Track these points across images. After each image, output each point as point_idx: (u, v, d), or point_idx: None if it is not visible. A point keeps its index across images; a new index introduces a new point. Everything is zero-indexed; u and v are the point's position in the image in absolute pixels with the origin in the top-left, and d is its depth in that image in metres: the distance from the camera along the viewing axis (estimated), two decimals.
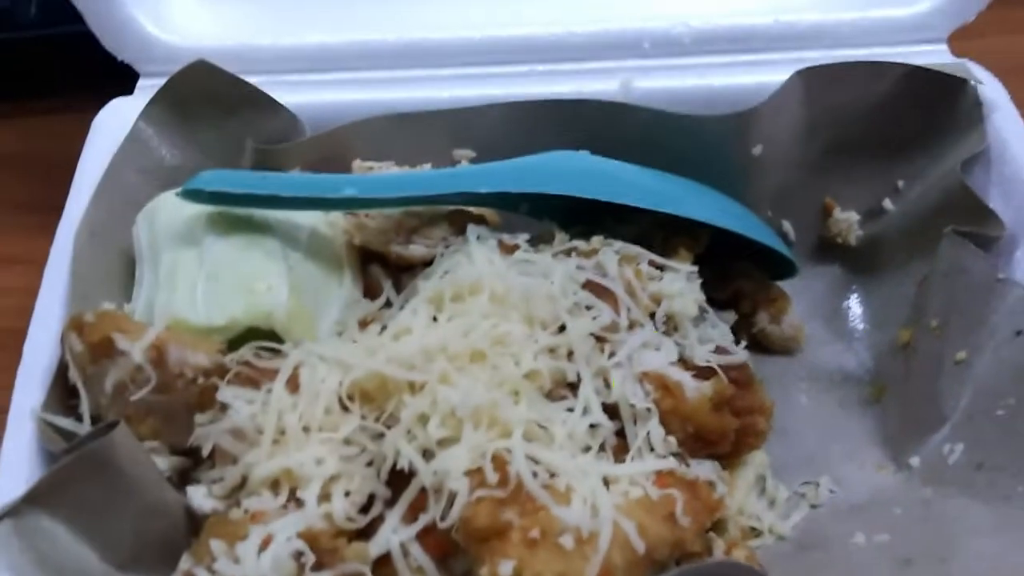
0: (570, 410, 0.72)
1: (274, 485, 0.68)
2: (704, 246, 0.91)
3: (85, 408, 0.72)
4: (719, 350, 0.79)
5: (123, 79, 0.99)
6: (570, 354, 0.74)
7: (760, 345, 0.96)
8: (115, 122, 0.93)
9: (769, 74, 0.97)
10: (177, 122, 0.91)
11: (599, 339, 0.75)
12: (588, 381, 0.73)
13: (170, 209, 0.82)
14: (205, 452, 0.70)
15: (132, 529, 0.68)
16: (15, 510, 0.64)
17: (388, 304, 0.86)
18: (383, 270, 0.88)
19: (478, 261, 0.80)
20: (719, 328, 0.84)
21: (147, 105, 0.89)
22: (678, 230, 0.89)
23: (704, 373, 0.77)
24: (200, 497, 0.70)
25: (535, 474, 0.66)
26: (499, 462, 0.66)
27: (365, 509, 0.69)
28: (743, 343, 0.82)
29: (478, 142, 0.96)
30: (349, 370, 0.71)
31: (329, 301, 0.82)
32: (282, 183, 0.80)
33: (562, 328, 0.75)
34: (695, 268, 0.85)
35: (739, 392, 0.78)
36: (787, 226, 1.02)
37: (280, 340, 0.75)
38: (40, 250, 0.82)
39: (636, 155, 0.92)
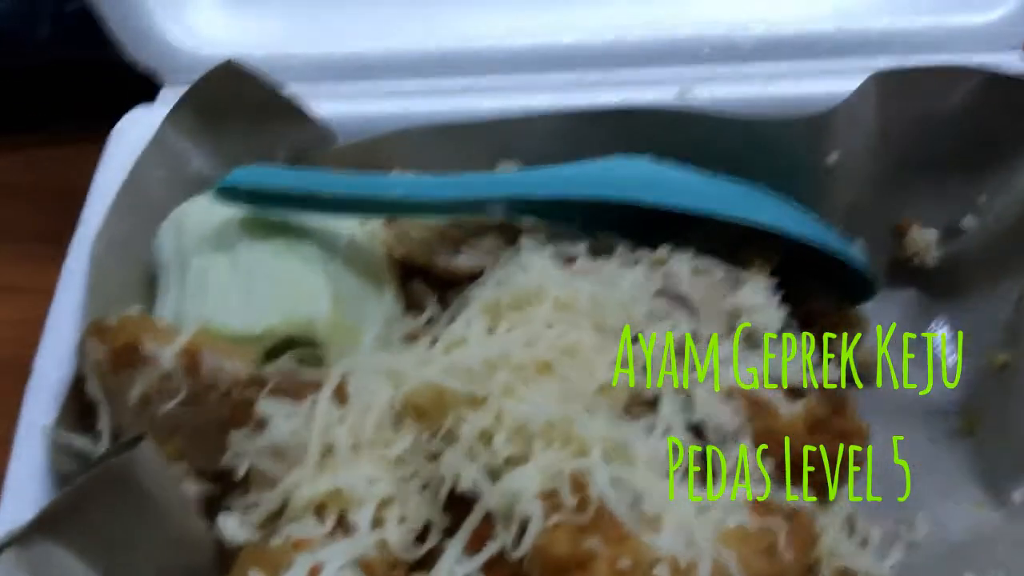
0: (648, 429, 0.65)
1: (320, 509, 0.62)
2: (777, 260, 0.85)
3: (105, 424, 0.65)
4: (807, 368, 0.73)
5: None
6: (644, 368, 0.67)
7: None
8: (136, 132, 0.88)
9: (837, 82, 0.91)
10: (205, 128, 0.86)
11: (678, 352, 0.69)
12: (669, 397, 0.66)
13: (200, 214, 0.76)
14: (240, 474, 0.63)
15: (154, 563, 0.62)
16: (22, 538, 0.57)
17: (431, 321, 0.79)
18: (426, 285, 0.82)
19: (535, 269, 0.73)
20: (802, 346, 0.78)
21: (174, 108, 0.84)
22: (748, 242, 0.83)
23: (794, 392, 0.70)
24: (233, 526, 0.64)
25: (618, 498, 0.59)
26: (577, 483, 0.60)
27: (421, 538, 0.63)
28: (835, 362, 0.75)
29: (524, 155, 0.91)
30: (402, 382, 0.64)
31: (370, 315, 0.76)
32: (325, 181, 0.75)
33: (635, 340, 0.68)
34: (773, 281, 0.79)
35: (832, 415, 0.71)
36: (858, 246, 0.95)
37: (320, 353, 0.69)
38: (48, 280, 0.78)
39: (700, 164, 0.86)
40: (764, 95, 0.94)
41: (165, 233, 0.78)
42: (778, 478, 0.68)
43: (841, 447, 0.71)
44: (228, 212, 0.76)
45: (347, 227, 0.80)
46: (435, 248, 0.80)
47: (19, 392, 0.70)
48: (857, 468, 0.73)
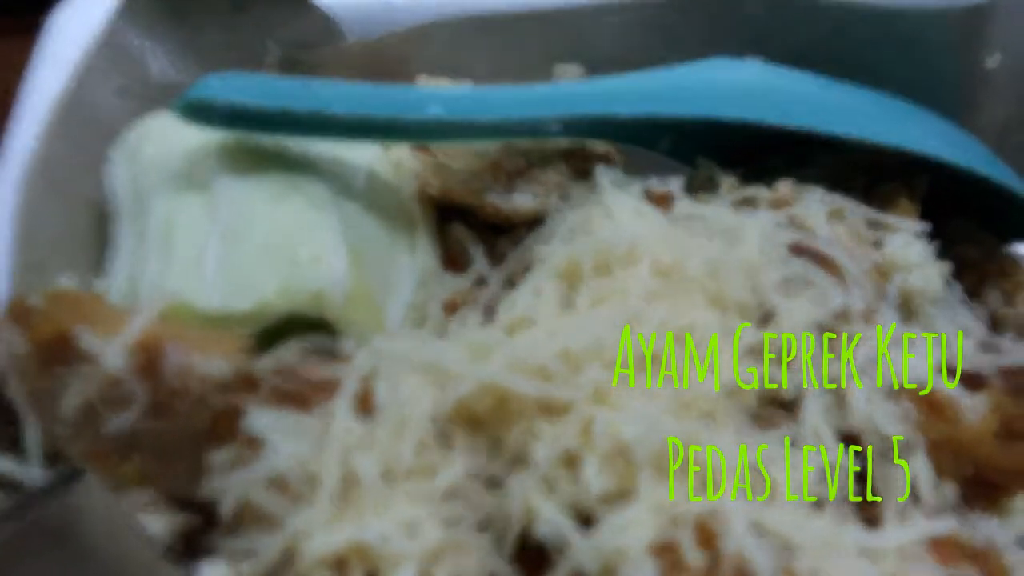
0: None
1: (339, 567, 0.47)
2: (923, 195, 0.70)
3: (33, 440, 0.49)
4: (986, 346, 0.57)
5: None
6: (782, 357, 0.52)
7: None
8: (77, 27, 0.72)
9: None
10: (169, 19, 0.71)
11: (826, 333, 0.53)
12: (816, 398, 0.50)
13: (162, 138, 0.60)
14: (227, 511, 0.47)
15: None
16: None
17: (480, 281, 0.64)
18: (470, 231, 0.66)
19: (622, 216, 0.58)
20: (966, 313, 0.62)
21: None
22: (886, 172, 0.68)
23: (972, 382, 0.55)
24: None
25: (762, 551, 0.45)
26: (706, 533, 0.45)
27: None
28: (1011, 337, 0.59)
29: (589, 55, 0.76)
30: (449, 383, 0.48)
31: (398, 275, 0.61)
32: (335, 95, 0.59)
33: (766, 317, 0.53)
34: (927, 226, 0.64)
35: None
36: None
37: (335, 334, 0.53)
38: None
39: (825, 68, 0.72)
40: None
41: (117, 162, 0.62)
42: (960, 503, 0.53)
43: None
44: (202, 135, 0.59)
45: (367, 156, 0.64)
46: (483, 183, 0.65)
47: None
48: None
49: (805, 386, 0.52)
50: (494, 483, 0.50)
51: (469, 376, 0.49)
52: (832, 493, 0.51)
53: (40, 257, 0.60)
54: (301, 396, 0.50)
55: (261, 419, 0.49)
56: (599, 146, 0.69)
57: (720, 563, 0.45)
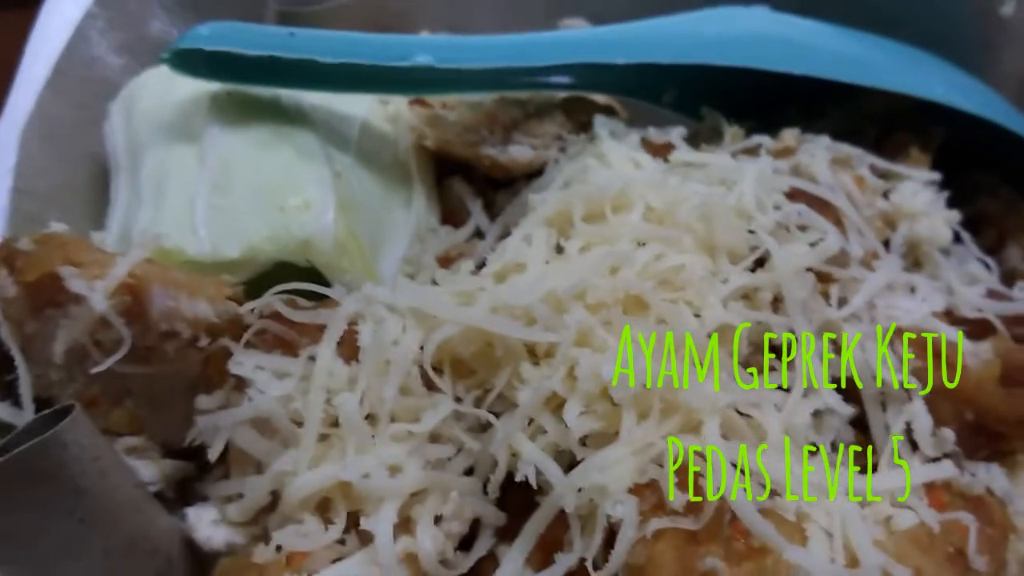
0: (781, 388, 0.51)
1: (323, 507, 0.49)
2: (937, 146, 0.69)
3: (25, 386, 0.51)
4: (993, 294, 0.57)
5: None
6: (776, 301, 0.52)
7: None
8: None
9: None
10: None
11: (821, 278, 0.53)
12: (809, 343, 0.51)
13: (156, 92, 0.62)
14: (214, 454, 0.49)
15: (99, 573, 0.48)
16: None
17: (478, 235, 0.65)
18: (468, 186, 0.67)
19: (618, 164, 0.58)
20: (975, 263, 0.62)
21: None
22: (900, 122, 0.68)
23: (977, 329, 0.56)
24: (207, 524, 0.51)
25: (744, 491, 0.45)
26: (686, 472, 0.45)
27: (467, 543, 0.50)
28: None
29: (596, 7, 0.77)
30: (435, 326, 0.49)
31: (392, 228, 0.62)
32: (321, 44, 0.60)
33: (760, 262, 0.53)
34: (937, 175, 0.64)
35: None
36: None
37: (324, 282, 0.54)
38: None
39: (835, 15, 0.71)
40: None
41: (115, 116, 0.64)
42: (960, 452, 0.53)
43: None
44: (196, 87, 0.61)
45: (361, 108, 0.65)
46: (480, 135, 0.65)
47: None
48: None
49: (798, 331, 0.53)
50: (481, 426, 0.51)
51: (453, 320, 0.50)
52: (825, 438, 0.52)
53: (37, 208, 0.62)
54: (288, 340, 0.52)
55: (248, 362, 0.50)
56: (600, 98, 0.69)
57: (702, 501, 0.46)
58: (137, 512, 0.50)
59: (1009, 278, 0.75)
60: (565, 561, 0.46)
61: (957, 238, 0.75)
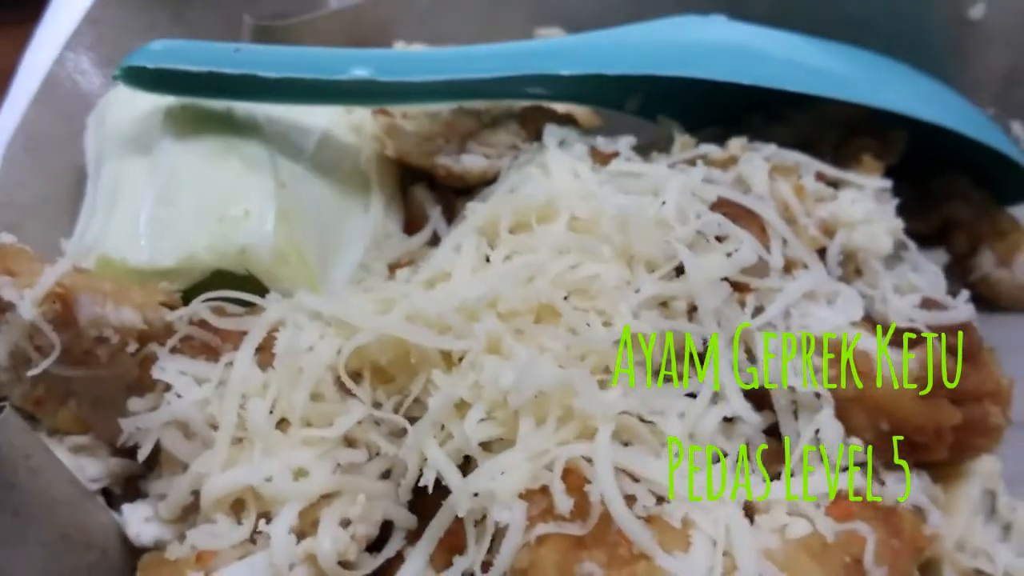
0: (693, 396, 0.51)
1: (237, 508, 0.50)
2: (899, 154, 0.69)
3: None
4: (928, 303, 0.57)
5: None
6: (692, 310, 0.52)
7: (982, 298, 0.74)
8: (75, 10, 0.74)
9: None
10: None
11: (738, 287, 0.53)
12: (722, 351, 0.51)
13: (123, 104, 0.64)
14: (142, 455, 0.52)
15: (38, 568, 0.50)
16: None
17: (437, 240, 0.66)
18: (431, 192, 0.68)
19: (557, 173, 0.59)
20: (926, 272, 0.61)
21: None
22: (860, 130, 0.68)
23: (911, 338, 0.55)
24: (139, 521, 0.53)
25: (633, 498, 0.47)
26: (575, 479, 0.47)
27: (379, 544, 0.51)
28: (966, 293, 0.58)
29: (571, 18, 0.78)
30: (352, 334, 0.51)
31: (348, 236, 0.64)
32: (263, 59, 0.61)
33: (680, 271, 0.53)
34: (887, 183, 0.63)
35: (961, 368, 0.55)
36: (1018, 128, 0.79)
37: (264, 290, 0.56)
38: None
39: (797, 22, 0.71)
40: None
41: (89, 128, 0.66)
42: (876, 462, 0.53)
43: (968, 415, 0.55)
44: (156, 101, 0.63)
45: (323, 118, 0.66)
46: (436, 145, 0.66)
47: None
48: (991, 441, 0.57)
49: (711, 338, 0.53)
50: (397, 431, 0.52)
51: (368, 328, 0.52)
52: (735, 448, 0.52)
53: (16, 218, 0.64)
54: (212, 346, 0.53)
55: (170, 366, 0.52)
56: (561, 107, 0.70)
57: (588, 507, 0.46)
58: (71, 507, 0.53)
59: (984, 286, 0.74)
60: (461, 564, 0.47)
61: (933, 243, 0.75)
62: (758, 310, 0.54)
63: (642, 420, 0.50)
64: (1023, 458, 0.62)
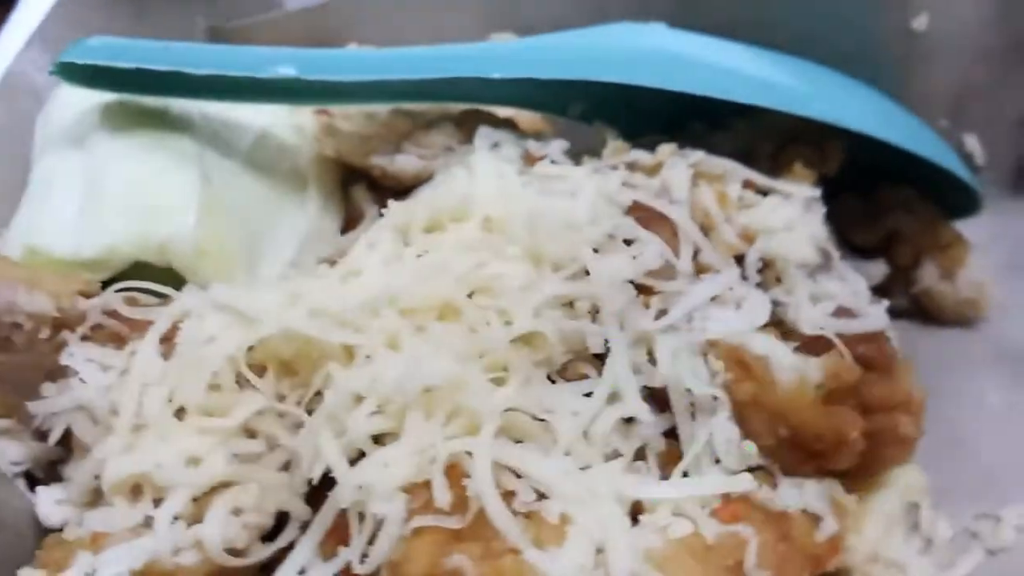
0: (590, 395, 0.50)
1: (136, 492, 0.50)
2: (837, 164, 0.70)
3: None
4: (840, 312, 0.56)
5: None
6: (596, 311, 0.52)
7: (926, 311, 0.75)
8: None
9: None
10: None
11: (643, 290, 0.54)
12: (621, 352, 0.52)
13: (66, 101, 0.65)
14: (53, 439, 0.53)
15: None
16: None
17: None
18: (370, 192, 0.69)
19: (480, 174, 0.60)
20: (849, 281, 0.61)
21: None
22: (798, 139, 0.67)
23: (814, 346, 0.55)
24: (50, 503, 0.53)
25: (513, 494, 0.47)
26: (456, 473, 0.47)
27: (273, 534, 0.51)
28: (884, 303, 0.58)
29: (525, 24, 0.77)
30: (255, 327, 0.51)
31: (280, 233, 0.64)
32: (190, 56, 0.62)
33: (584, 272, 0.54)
34: (816, 192, 0.63)
35: (870, 377, 0.55)
36: (971, 143, 0.78)
37: (183, 282, 0.57)
38: None
39: (740, 32, 0.71)
40: None
41: (38, 125, 0.67)
42: (772, 467, 0.53)
43: (877, 424, 0.55)
44: (96, 96, 0.64)
45: (264, 117, 0.67)
46: (372, 145, 0.67)
47: None
48: (902, 453, 0.57)
49: (612, 340, 0.53)
50: (297, 424, 0.53)
51: (273, 321, 0.53)
52: (631, 449, 0.52)
53: None
54: (119, 335, 0.54)
55: (78, 353, 0.53)
56: (503, 111, 0.70)
57: (465, 501, 0.47)
58: None
59: (927, 299, 0.74)
60: (345, 555, 0.48)
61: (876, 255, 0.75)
62: (662, 312, 0.54)
63: (535, 418, 0.50)
64: (944, 473, 0.63)
